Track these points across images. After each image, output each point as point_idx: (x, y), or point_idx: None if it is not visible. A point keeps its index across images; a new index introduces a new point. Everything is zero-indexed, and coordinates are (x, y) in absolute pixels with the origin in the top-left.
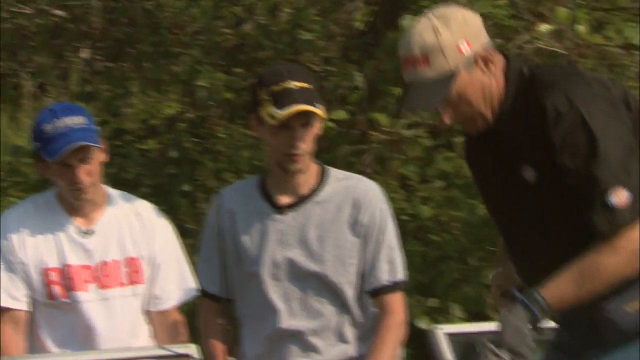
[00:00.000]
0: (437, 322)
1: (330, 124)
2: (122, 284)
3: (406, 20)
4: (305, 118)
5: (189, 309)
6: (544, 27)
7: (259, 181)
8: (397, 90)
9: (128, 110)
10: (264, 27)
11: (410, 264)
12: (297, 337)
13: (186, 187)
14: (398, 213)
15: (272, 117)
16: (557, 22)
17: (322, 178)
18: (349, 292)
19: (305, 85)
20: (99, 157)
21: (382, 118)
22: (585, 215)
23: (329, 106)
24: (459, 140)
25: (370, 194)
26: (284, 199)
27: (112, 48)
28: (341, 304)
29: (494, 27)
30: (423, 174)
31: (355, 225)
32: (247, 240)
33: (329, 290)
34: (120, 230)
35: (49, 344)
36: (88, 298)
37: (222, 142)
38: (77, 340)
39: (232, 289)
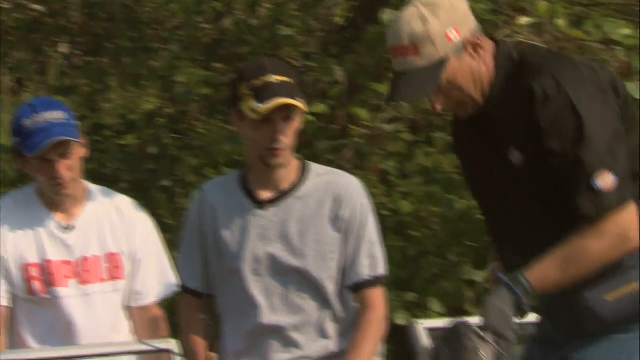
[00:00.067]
0: (416, 317)
1: (311, 118)
2: (102, 280)
3: (386, 15)
4: (287, 112)
5: (169, 304)
6: (524, 21)
7: (239, 176)
8: (377, 86)
9: (107, 105)
10: (244, 23)
11: (389, 259)
12: (278, 333)
13: (165, 183)
14: (378, 208)
15: (254, 111)
16: (537, 16)
17: (303, 173)
18: (330, 288)
19: (286, 79)
20: (79, 152)
21: (362, 113)
22: (571, 198)
23: (309, 100)
24: (439, 135)
25: (351, 189)
26: (265, 194)
27: (91, 43)
28: (322, 299)
29: None
30: (403, 170)
31: (336, 221)
32: (228, 236)
33: (310, 285)
34: (100, 225)
35: (29, 339)
36: (68, 294)
37: (202, 137)
38: (57, 336)
39: (213, 285)
